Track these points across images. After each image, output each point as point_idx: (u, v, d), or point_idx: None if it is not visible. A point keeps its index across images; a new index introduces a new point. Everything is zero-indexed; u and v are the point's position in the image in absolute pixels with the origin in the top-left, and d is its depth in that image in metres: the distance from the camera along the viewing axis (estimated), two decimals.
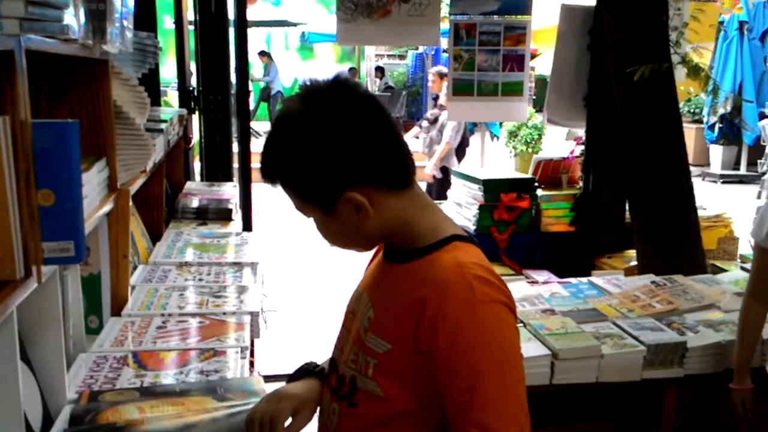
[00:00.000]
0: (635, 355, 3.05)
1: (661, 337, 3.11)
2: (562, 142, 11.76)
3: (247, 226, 4.78)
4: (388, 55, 23.31)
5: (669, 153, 4.31)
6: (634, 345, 3.08)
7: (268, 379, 2.21)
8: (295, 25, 19.83)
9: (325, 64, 21.85)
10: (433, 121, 8.30)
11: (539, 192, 5.27)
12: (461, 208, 5.31)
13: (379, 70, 20.95)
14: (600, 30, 4.72)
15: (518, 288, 3.78)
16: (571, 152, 5.60)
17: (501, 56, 5.57)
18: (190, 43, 5.22)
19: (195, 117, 5.06)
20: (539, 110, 11.81)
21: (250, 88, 6.43)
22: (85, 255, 1.59)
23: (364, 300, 1.65)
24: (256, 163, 1.79)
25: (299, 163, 1.49)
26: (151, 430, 1.71)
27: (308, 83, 1.55)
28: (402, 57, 22.67)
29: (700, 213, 4.63)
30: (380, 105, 1.54)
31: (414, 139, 8.85)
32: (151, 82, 3.92)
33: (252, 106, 17.05)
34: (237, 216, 4.17)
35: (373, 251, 1.75)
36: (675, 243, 4.29)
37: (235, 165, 5.25)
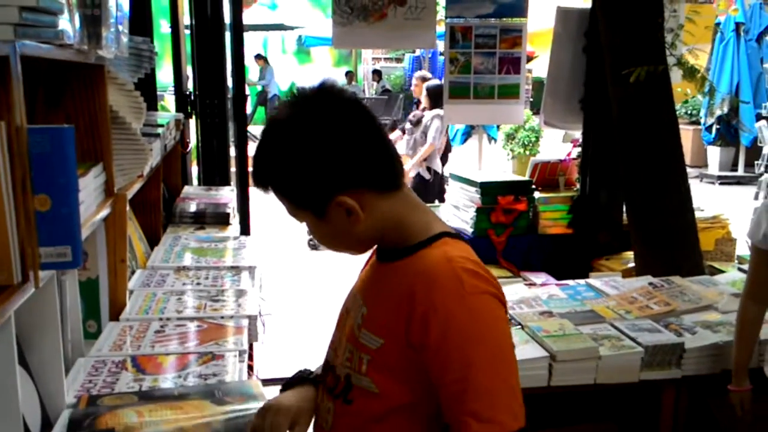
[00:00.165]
0: (633, 357, 3.05)
1: (658, 339, 3.12)
2: (559, 144, 11.76)
3: (245, 230, 4.78)
4: (385, 59, 23.31)
5: (666, 155, 4.32)
6: (631, 346, 3.08)
7: (266, 382, 2.21)
8: (291, 28, 19.81)
9: (322, 68, 21.86)
10: (416, 123, 8.34)
11: (536, 194, 5.27)
12: (458, 210, 5.31)
13: (377, 74, 20.96)
14: (596, 32, 4.72)
15: (516, 290, 3.79)
16: (568, 154, 5.59)
17: (497, 59, 5.57)
18: (187, 47, 5.22)
19: (192, 121, 5.06)
20: (536, 113, 11.81)
21: (247, 92, 6.42)
22: (82, 260, 1.60)
23: (358, 300, 1.67)
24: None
25: (289, 169, 1.51)
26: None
27: (296, 91, 1.57)
28: (399, 60, 22.67)
29: (698, 214, 4.64)
30: (366, 109, 1.56)
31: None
32: (147, 87, 3.92)
33: (249, 110, 17.06)
34: (234, 220, 4.17)
35: (368, 255, 1.76)
36: (672, 244, 4.29)
37: (233, 169, 5.24)
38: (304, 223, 1.60)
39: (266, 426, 1.65)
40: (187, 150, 4.83)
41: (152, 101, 4.35)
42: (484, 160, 11.01)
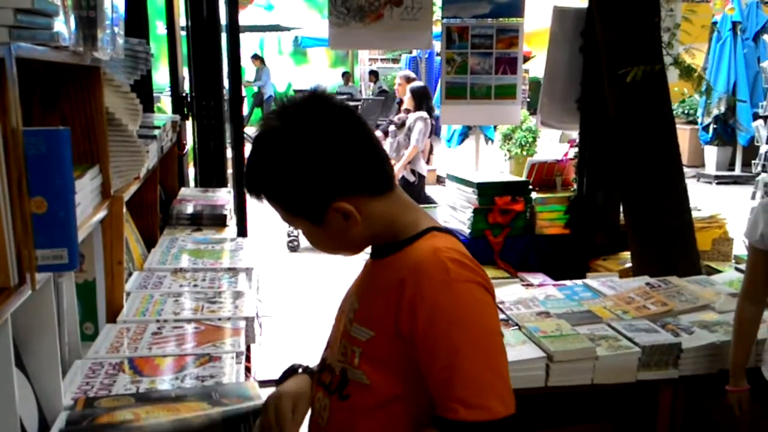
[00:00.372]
0: (630, 357, 3.05)
1: (655, 339, 3.12)
2: (556, 144, 11.79)
3: (242, 231, 4.78)
4: (381, 59, 23.31)
5: (663, 154, 4.32)
6: (628, 347, 3.09)
7: (264, 384, 2.20)
8: (288, 29, 19.81)
9: (319, 69, 21.85)
10: (401, 125, 8.37)
11: (534, 195, 5.28)
12: (456, 211, 5.32)
13: (373, 74, 20.94)
14: (592, 32, 4.73)
15: (513, 291, 3.79)
16: (565, 155, 5.60)
17: (494, 59, 5.57)
18: (183, 48, 5.21)
19: (189, 123, 5.05)
20: (533, 113, 11.83)
21: (243, 93, 6.42)
22: (79, 262, 1.60)
23: (352, 298, 1.71)
24: None
25: (285, 178, 1.53)
26: (147, 425, 1.72)
27: (285, 100, 1.59)
28: (396, 61, 22.68)
29: (695, 214, 4.64)
30: (356, 115, 1.60)
31: None
32: (143, 89, 3.92)
33: (246, 111, 17.05)
34: (232, 222, 4.16)
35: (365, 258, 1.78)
36: (669, 244, 4.30)
37: (230, 171, 5.24)
38: (287, 226, 1.63)
39: (271, 414, 1.70)
40: (184, 152, 4.82)
41: (148, 103, 4.34)
42: (481, 160, 11.05)
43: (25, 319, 1.70)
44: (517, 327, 3.27)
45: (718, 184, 13.72)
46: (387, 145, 8.51)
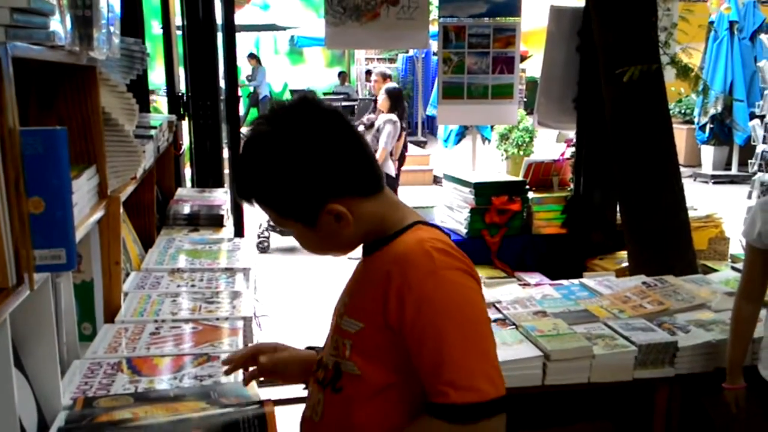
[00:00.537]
0: (626, 356, 3.06)
1: (652, 338, 3.12)
2: (553, 144, 11.78)
3: (239, 231, 4.78)
4: (378, 59, 23.29)
5: (659, 154, 4.32)
6: (625, 345, 3.09)
7: (262, 383, 2.20)
8: (284, 29, 19.77)
9: (315, 69, 21.83)
10: (369, 126, 8.41)
11: (530, 194, 5.28)
12: (452, 211, 5.32)
13: (370, 74, 20.94)
14: (589, 31, 4.73)
15: (510, 290, 3.80)
16: (562, 154, 5.60)
17: (491, 59, 5.57)
18: (179, 48, 5.21)
19: (185, 123, 5.05)
20: (530, 113, 11.83)
21: (239, 93, 6.42)
22: (76, 262, 1.59)
23: (344, 294, 1.75)
24: None
25: (278, 182, 1.56)
26: (146, 424, 1.72)
27: (273, 105, 1.64)
28: (392, 60, 22.64)
29: (691, 213, 4.64)
30: (345, 118, 1.63)
31: None
32: (139, 88, 3.92)
33: (241, 111, 17.03)
34: (228, 222, 4.16)
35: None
36: (666, 244, 4.30)
37: (226, 171, 5.23)
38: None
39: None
40: (180, 152, 4.82)
41: (144, 103, 4.34)
42: (478, 160, 11.05)
43: (23, 319, 1.71)
44: (514, 326, 3.27)
45: (714, 183, 13.75)
46: None
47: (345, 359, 1.63)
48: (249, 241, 3.81)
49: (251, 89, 19.39)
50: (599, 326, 3.28)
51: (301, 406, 1.85)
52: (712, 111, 13.60)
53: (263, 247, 8.89)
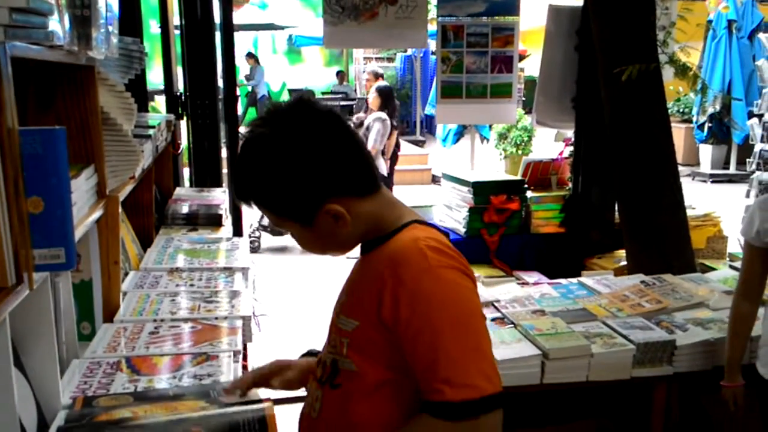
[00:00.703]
0: (625, 354, 3.06)
1: (650, 336, 3.13)
2: (551, 143, 11.78)
3: (237, 231, 4.78)
4: (376, 58, 23.26)
5: (658, 153, 4.33)
6: (623, 344, 3.10)
7: None
8: (282, 28, 19.75)
9: (313, 68, 21.81)
10: (359, 125, 8.43)
11: (529, 194, 5.28)
12: (451, 210, 5.32)
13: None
14: (587, 30, 4.73)
15: (509, 289, 3.80)
16: (560, 153, 5.61)
17: (489, 58, 5.58)
18: (177, 47, 5.20)
19: (183, 122, 5.04)
20: (528, 112, 11.83)
21: (237, 92, 6.42)
22: (75, 261, 1.59)
23: (341, 293, 1.77)
24: None
25: (276, 182, 1.58)
26: (146, 423, 1.72)
27: (270, 107, 1.65)
28: (391, 59, 22.63)
29: (689, 212, 4.65)
30: (341, 119, 1.65)
31: None
32: (137, 88, 3.92)
33: (240, 111, 17.00)
34: (227, 221, 4.16)
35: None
36: (664, 243, 4.30)
37: (224, 170, 5.24)
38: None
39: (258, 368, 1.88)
40: (179, 151, 4.82)
41: (142, 102, 4.34)
42: (477, 159, 11.05)
43: (23, 318, 1.71)
44: (512, 325, 3.27)
45: (713, 182, 13.75)
46: None
47: (342, 356, 1.65)
48: (247, 240, 3.80)
49: (249, 89, 19.37)
50: (597, 325, 3.29)
51: (301, 405, 1.86)
52: (710, 110, 13.60)
53: (254, 247, 8.87)
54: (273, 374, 1.93)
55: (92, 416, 1.79)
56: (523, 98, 13.99)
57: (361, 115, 8.75)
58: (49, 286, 1.78)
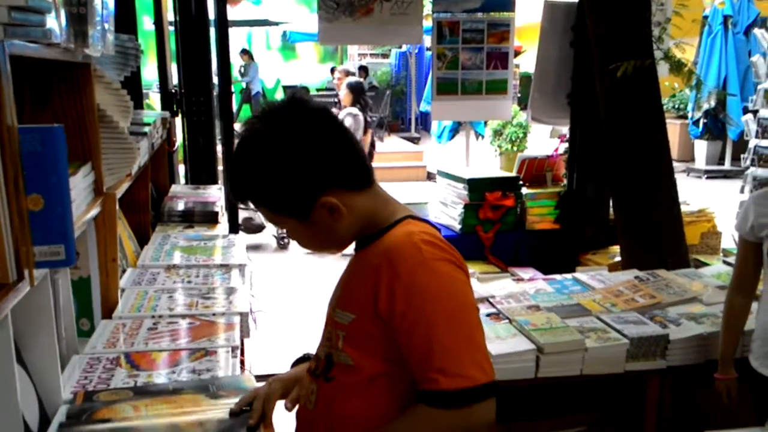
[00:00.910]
0: (619, 348, 3.08)
1: (643, 330, 3.15)
2: (546, 140, 11.79)
3: (234, 228, 4.79)
4: (371, 54, 23.21)
5: (652, 149, 4.34)
6: (617, 338, 3.11)
7: (259, 378, 2.22)
8: (276, 24, 19.72)
9: (308, 64, 21.77)
10: None
11: (524, 190, 5.30)
12: (446, 207, 5.33)
13: (363, 70, 20.92)
14: (583, 26, 4.75)
15: (504, 285, 3.81)
16: (556, 150, 5.63)
17: (485, 54, 5.59)
18: (171, 44, 5.20)
19: (178, 120, 5.05)
20: (524, 108, 11.84)
21: (232, 89, 6.43)
22: (75, 258, 1.61)
23: (336, 288, 1.80)
24: None
25: (272, 177, 1.60)
26: (145, 426, 1.74)
27: (265, 106, 1.68)
28: (385, 56, 22.59)
29: (683, 208, 4.67)
30: (334, 116, 1.69)
31: None
32: (133, 85, 3.92)
33: (234, 107, 16.97)
34: (223, 218, 4.17)
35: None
36: (658, 238, 4.32)
37: (220, 167, 5.24)
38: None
39: (263, 393, 1.83)
40: (174, 149, 4.82)
41: (138, 99, 4.35)
42: (472, 156, 11.05)
43: (23, 315, 1.72)
44: (507, 320, 3.29)
45: (707, 178, 13.77)
46: None
47: (338, 350, 1.67)
48: (243, 237, 3.81)
49: (243, 85, 19.34)
50: (592, 320, 3.31)
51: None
52: (705, 106, 13.59)
53: (283, 244, 8.82)
54: (276, 397, 1.89)
55: (93, 411, 1.81)
56: (519, 95, 14.00)
57: (334, 110, 8.75)
58: (49, 282, 1.80)
